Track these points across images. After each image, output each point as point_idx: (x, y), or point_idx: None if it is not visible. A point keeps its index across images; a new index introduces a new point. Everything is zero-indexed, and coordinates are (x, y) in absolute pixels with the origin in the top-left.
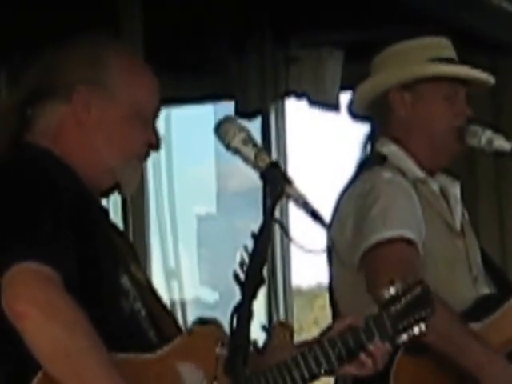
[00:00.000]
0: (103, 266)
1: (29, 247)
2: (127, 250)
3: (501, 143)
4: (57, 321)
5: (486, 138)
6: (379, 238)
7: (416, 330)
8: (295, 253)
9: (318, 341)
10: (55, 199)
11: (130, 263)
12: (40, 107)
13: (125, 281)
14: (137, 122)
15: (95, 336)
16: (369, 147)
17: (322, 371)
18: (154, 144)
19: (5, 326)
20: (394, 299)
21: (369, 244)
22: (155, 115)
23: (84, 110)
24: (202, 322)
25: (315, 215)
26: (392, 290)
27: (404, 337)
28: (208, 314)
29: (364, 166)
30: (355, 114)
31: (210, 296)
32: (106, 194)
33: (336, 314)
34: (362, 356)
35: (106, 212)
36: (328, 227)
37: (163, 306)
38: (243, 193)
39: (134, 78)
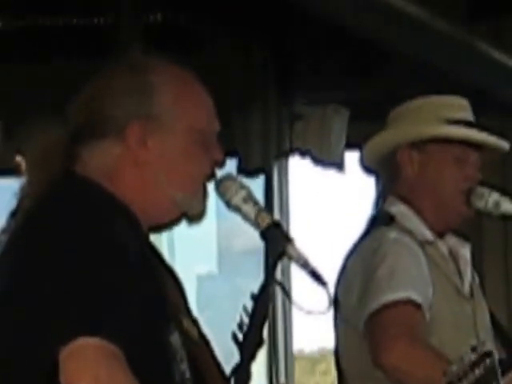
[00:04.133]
0: (158, 331)
1: (94, 320)
2: (179, 298)
3: (508, 206)
4: None
5: (493, 200)
6: (385, 301)
7: None
8: (298, 317)
9: None
10: (121, 259)
11: (182, 316)
12: (91, 147)
13: (174, 339)
14: (199, 148)
15: None
16: (379, 205)
17: None
18: (220, 161)
19: None
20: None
21: (374, 307)
22: (216, 130)
23: (141, 148)
24: None
25: (316, 276)
26: (456, 368)
27: None
28: None
29: (372, 225)
30: (367, 167)
31: None
32: (172, 226)
33: (341, 378)
34: None
35: (158, 254)
36: (335, 287)
37: (216, 363)
38: (245, 252)
39: (187, 99)
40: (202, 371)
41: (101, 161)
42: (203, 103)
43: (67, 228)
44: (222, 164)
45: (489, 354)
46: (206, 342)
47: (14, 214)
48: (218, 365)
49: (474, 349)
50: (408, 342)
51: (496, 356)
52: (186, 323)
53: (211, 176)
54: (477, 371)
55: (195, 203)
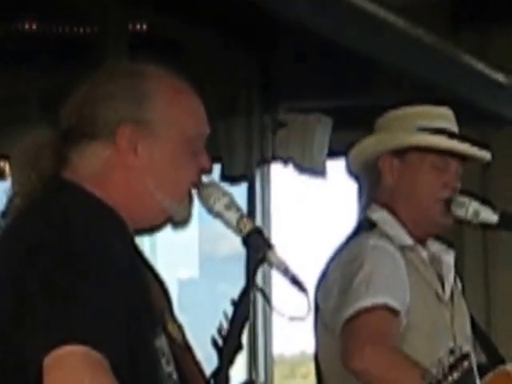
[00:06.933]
0: (144, 336)
1: (78, 328)
2: (164, 301)
3: (487, 215)
4: None
5: (473, 209)
6: (361, 306)
7: None
8: (279, 320)
9: None
10: (106, 266)
11: (167, 320)
12: (81, 148)
13: (161, 343)
14: (187, 156)
15: None
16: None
17: None
18: (207, 168)
19: None
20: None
21: (350, 312)
22: (204, 138)
23: (130, 152)
24: None
25: (296, 282)
26: (435, 370)
27: None
28: None
29: (355, 232)
30: (353, 173)
31: None
32: (156, 230)
33: (321, 382)
34: None
35: (143, 258)
36: (315, 292)
37: (198, 367)
38: (227, 258)
39: (179, 107)
40: (185, 374)
41: (90, 163)
42: (194, 111)
43: (56, 237)
44: (209, 172)
45: (466, 357)
46: (189, 346)
47: (4, 214)
48: (200, 369)
49: (451, 351)
50: (376, 347)
51: (473, 358)
52: (171, 326)
53: (197, 183)
54: (455, 374)
55: (181, 210)
